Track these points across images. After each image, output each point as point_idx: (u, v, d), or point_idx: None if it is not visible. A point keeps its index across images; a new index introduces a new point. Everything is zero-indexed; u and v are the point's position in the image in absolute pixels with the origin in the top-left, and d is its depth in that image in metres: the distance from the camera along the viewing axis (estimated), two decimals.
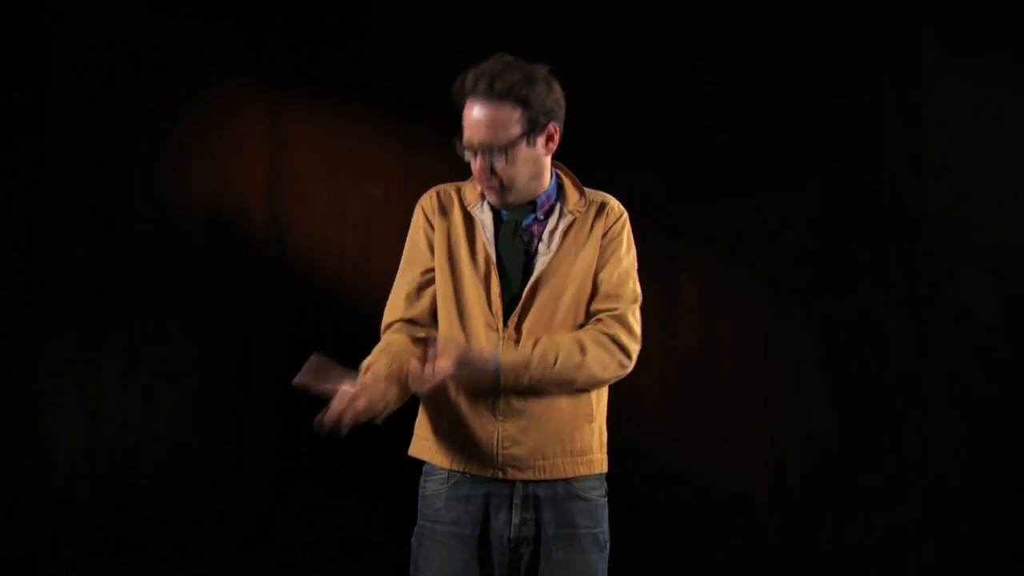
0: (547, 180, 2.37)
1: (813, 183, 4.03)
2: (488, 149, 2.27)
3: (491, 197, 2.34)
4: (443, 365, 2.20)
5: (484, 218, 2.36)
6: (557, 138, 2.34)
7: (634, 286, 2.39)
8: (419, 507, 2.40)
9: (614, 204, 2.41)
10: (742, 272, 4.04)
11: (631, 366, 2.35)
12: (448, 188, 2.43)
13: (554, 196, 2.38)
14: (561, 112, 2.33)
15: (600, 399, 2.40)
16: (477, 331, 2.31)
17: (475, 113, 2.27)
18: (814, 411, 4.00)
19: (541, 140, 2.30)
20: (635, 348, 2.35)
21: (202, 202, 4.00)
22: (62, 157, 3.98)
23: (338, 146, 4.06)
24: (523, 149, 2.28)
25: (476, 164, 2.30)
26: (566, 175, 2.43)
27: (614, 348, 2.31)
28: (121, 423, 3.94)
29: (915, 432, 3.97)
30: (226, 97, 4.05)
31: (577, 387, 2.31)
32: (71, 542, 3.90)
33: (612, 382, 2.38)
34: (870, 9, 4.03)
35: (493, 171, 2.28)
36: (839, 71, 4.04)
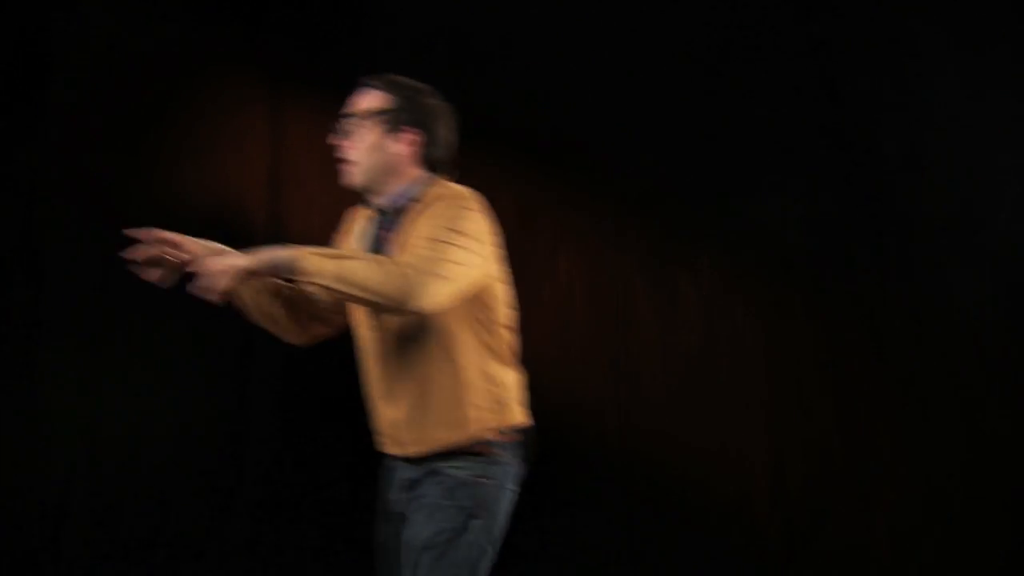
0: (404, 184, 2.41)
1: (813, 183, 4.02)
2: (346, 115, 2.43)
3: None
4: (233, 259, 2.27)
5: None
6: (419, 150, 2.36)
7: (443, 245, 2.21)
8: None
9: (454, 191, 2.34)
10: (742, 272, 4.04)
11: (419, 289, 2.17)
12: None
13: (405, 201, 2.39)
14: (432, 127, 2.36)
15: (463, 358, 2.28)
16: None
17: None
18: (814, 411, 4.00)
19: (401, 136, 2.36)
20: (424, 274, 2.17)
21: (202, 202, 4.00)
22: (62, 157, 3.98)
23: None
24: (374, 129, 2.39)
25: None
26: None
27: (393, 267, 2.20)
28: (121, 423, 3.94)
29: (915, 432, 3.96)
30: (226, 97, 4.05)
31: (367, 291, 2.19)
32: (71, 542, 3.90)
33: (398, 298, 2.18)
34: (870, 9, 4.03)
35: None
36: (839, 71, 4.04)
